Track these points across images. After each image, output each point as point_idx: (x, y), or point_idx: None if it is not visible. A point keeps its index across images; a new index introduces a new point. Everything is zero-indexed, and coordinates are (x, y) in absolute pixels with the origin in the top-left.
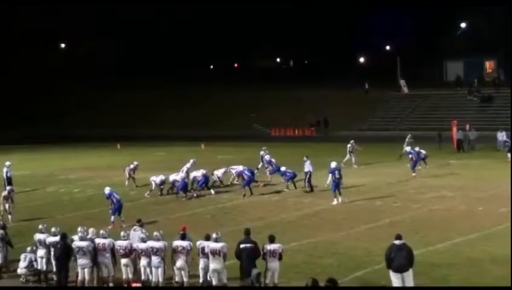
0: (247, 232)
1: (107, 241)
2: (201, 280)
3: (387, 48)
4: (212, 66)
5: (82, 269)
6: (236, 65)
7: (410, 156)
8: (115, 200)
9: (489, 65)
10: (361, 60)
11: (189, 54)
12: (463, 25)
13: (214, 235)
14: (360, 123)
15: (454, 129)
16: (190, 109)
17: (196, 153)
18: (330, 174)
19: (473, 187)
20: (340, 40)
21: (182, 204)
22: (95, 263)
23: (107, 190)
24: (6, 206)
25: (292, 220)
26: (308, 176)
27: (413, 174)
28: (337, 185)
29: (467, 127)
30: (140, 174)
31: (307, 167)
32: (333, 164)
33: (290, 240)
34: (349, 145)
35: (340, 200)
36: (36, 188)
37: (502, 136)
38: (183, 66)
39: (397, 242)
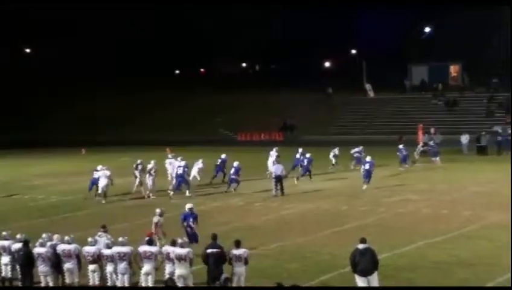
0: (214, 237)
1: (72, 247)
2: None
3: (353, 52)
4: (177, 72)
5: (44, 277)
6: (202, 70)
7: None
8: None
9: (453, 69)
10: (327, 64)
11: (154, 59)
12: (427, 29)
13: (180, 241)
14: (326, 127)
15: (420, 133)
16: (157, 115)
17: (162, 158)
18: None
19: (437, 190)
20: (305, 44)
21: (147, 209)
22: (58, 270)
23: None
24: None
25: (259, 224)
26: (277, 179)
27: (401, 169)
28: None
29: (432, 130)
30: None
31: (277, 170)
32: (368, 158)
33: (257, 244)
34: (332, 154)
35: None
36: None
37: (465, 139)
38: (149, 71)
39: (361, 246)
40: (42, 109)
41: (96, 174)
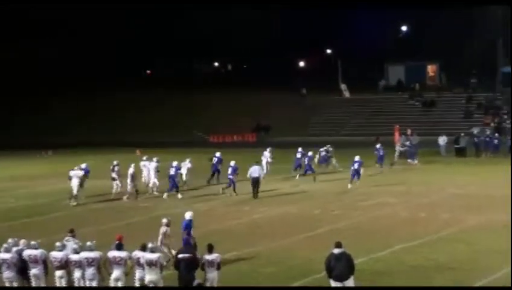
0: (186, 242)
1: (38, 252)
2: None
3: (328, 51)
4: (149, 72)
5: (9, 283)
6: (173, 69)
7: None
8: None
9: (431, 69)
10: (301, 63)
11: (126, 59)
12: (404, 28)
13: (150, 245)
14: (301, 129)
15: (397, 134)
16: (130, 115)
17: (130, 160)
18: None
19: (414, 193)
20: (279, 42)
21: (116, 213)
22: (24, 276)
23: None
24: None
25: (231, 229)
26: (254, 182)
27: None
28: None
29: (409, 132)
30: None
31: (254, 172)
32: (357, 157)
33: (230, 249)
34: (323, 151)
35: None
36: None
37: (443, 140)
38: (123, 71)
39: (336, 251)
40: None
41: (70, 173)
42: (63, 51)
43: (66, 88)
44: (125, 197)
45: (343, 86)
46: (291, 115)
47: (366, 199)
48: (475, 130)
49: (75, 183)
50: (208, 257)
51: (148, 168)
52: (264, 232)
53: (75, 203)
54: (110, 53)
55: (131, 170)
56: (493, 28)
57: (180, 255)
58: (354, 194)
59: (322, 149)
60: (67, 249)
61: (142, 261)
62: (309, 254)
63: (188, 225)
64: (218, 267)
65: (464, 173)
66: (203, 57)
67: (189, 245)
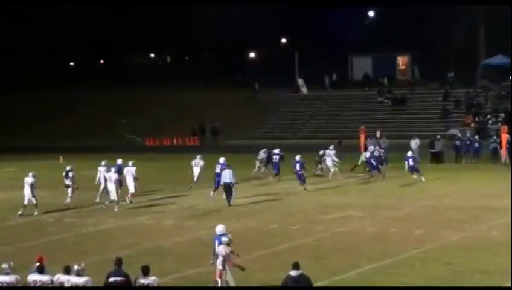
0: (118, 262)
1: None
2: None
3: (283, 40)
4: (72, 64)
5: None
6: (102, 62)
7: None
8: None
9: (402, 61)
10: (252, 54)
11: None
12: (371, 13)
13: (76, 267)
14: (252, 130)
15: (363, 137)
16: (48, 117)
17: (53, 168)
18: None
19: (384, 205)
20: (226, 31)
21: (36, 229)
22: None
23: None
24: None
25: (171, 247)
26: (225, 188)
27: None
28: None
29: (378, 134)
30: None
31: (224, 177)
32: (409, 153)
33: (170, 271)
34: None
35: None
36: None
37: (415, 143)
38: (45, 68)
39: (293, 273)
40: None
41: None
42: None
43: None
44: (115, 209)
45: (300, 81)
46: (242, 114)
47: (329, 212)
48: (458, 132)
49: (26, 191)
50: (143, 280)
51: (110, 176)
52: (210, 250)
53: (35, 213)
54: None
55: (115, 176)
56: (473, 14)
57: (111, 279)
58: (316, 207)
59: (274, 152)
60: None
61: (66, 285)
62: (263, 276)
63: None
64: None
65: (440, 182)
66: (136, 48)
67: (118, 267)
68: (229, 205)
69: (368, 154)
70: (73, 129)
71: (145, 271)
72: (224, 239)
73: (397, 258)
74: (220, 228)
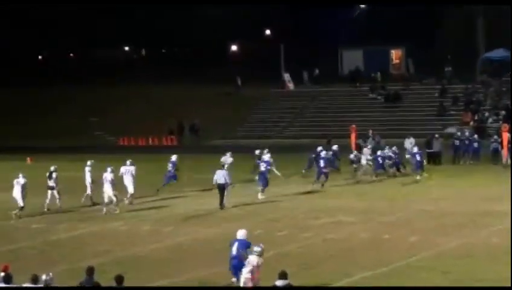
0: (90, 271)
1: None
2: None
3: (267, 32)
4: (40, 57)
5: None
6: (72, 55)
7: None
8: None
9: (395, 55)
10: (234, 47)
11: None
12: (362, 5)
13: (44, 277)
14: (234, 129)
15: (354, 136)
16: (12, 114)
17: (20, 170)
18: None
19: (377, 210)
20: (206, 22)
21: (2, 236)
22: None
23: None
24: None
25: (148, 254)
26: (219, 189)
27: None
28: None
29: (370, 132)
30: None
31: (219, 178)
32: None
33: (146, 280)
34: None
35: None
36: None
37: (410, 143)
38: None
39: (279, 283)
40: None
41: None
42: None
43: None
44: (116, 211)
45: (286, 76)
46: (223, 112)
47: (318, 217)
48: (456, 131)
49: (17, 191)
50: None
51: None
52: (191, 258)
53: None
54: None
55: (111, 176)
56: (472, 5)
57: None
58: (304, 211)
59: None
60: None
61: None
62: None
63: (243, 245)
64: None
65: (437, 184)
66: (109, 40)
67: (90, 277)
68: (221, 208)
69: (378, 153)
70: (42, 128)
71: (119, 281)
72: (256, 249)
73: (391, 267)
74: (241, 233)
